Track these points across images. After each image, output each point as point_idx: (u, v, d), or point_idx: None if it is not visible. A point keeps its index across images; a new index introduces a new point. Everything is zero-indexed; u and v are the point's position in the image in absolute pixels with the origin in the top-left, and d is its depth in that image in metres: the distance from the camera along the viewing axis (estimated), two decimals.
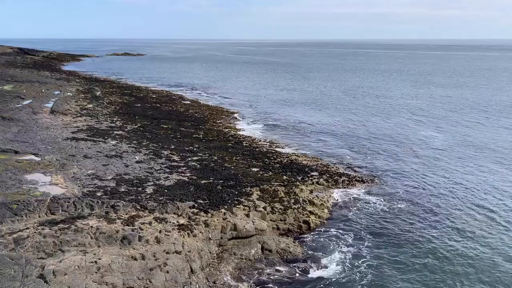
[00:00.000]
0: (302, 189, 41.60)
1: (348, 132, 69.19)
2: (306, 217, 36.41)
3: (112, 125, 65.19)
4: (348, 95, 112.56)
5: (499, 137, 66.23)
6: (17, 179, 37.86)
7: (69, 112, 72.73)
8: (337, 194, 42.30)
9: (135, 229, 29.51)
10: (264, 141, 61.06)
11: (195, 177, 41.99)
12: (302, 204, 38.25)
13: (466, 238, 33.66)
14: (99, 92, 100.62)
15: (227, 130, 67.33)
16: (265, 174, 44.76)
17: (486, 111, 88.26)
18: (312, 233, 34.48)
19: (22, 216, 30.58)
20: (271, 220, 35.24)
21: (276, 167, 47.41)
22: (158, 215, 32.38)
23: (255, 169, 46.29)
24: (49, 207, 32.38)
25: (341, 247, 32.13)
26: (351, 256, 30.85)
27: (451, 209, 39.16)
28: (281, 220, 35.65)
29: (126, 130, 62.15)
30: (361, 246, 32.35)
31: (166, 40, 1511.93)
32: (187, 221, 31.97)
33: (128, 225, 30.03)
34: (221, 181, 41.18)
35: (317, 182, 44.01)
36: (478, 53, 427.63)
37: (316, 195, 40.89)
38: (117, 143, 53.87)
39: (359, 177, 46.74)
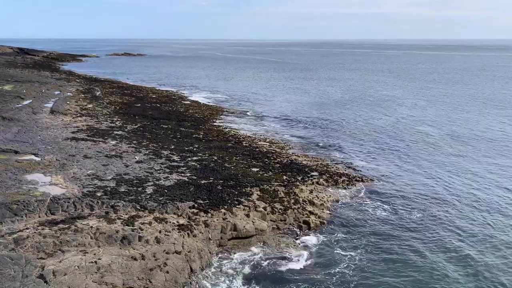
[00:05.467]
0: (302, 189, 41.60)
1: (348, 132, 69.18)
2: (306, 217, 36.41)
3: (112, 125, 65.19)
4: (348, 95, 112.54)
5: (502, 135, 66.18)
6: (17, 179, 37.87)
7: (69, 112, 72.74)
8: (337, 194, 42.28)
9: (135, 229, 29.52)
10: (264, 141, 61.05)
11: (195, 177, 41.98)
12: (302, 204, 38.25)
13: (466, 242, 33.62)
14: (99, 92, 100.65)
15: (227, 130, 67.35)
16: (265, 174, 44.76)
17: (488, 110, 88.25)
18: (312, 233, 34.46)
19: (22, 216, 30.59)
20: (271, 220, 35.24)
21: (276, 167, 47.40)
22: (158, 215, 32.39)
23: (255, 169, 46.28)
24: (49, 207, 32.38)
25: (340, 248, 32.11)
26: (350, 256, 30.82)
27: (451, 210, 39.15)
28: (281, 220, 35.66)
29: (126, 130, 62.15)
30: (360, 246, 32.33)
31: (166, 40, 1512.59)
32: (187, 221, 31.97)
33: (128, 225, 30.05)
34: (221, 181, 41.17)
35: (317, 182, 44.00)
36: (476, 53, 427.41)
37: (316, 195, 40.88)
38: (117, 143, 53.87)
39: (359, 177, 46.73)
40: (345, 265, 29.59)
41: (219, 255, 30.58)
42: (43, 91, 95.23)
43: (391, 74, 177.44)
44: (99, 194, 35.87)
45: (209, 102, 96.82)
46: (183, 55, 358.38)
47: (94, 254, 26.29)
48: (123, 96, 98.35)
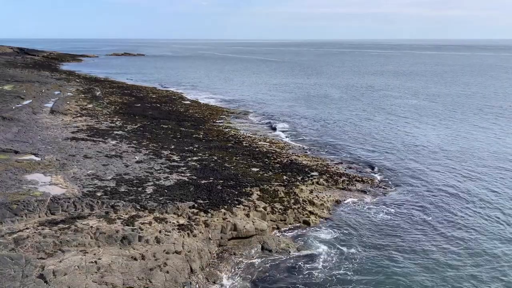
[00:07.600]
0: (302, 189, 41.60)
1: (348, 132, 69.17)
2: (306, 217, 36.43)
3: (112, 125, 65.20)
4: (348, 94, 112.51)
5: (503, 136, 66.16)
6: (17, 179, 37.88)
7: (69, 112, 72.75)
8: (337, 194, 42.27)
9: (135, 229, 29.52)
10: (264, 141, 61.04)
11: (195, 177, 41.99)
12: (302, 204, 38.26)
13: (467, 243, 33.61)
14: (99, 92, 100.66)
15: (227, 130, 67.35)
16: (265, 174, 44.76)
17: (490, 111, 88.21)
18: (312, 233, 34.44)
19: (22, 216, 30.60)
20: (271, 220, 35.26)
21: (276, 167, 47.40)
22: (158, 215, 32.39)
23: (255, 169, 46.29)
24: (49, 207, 32.39)
25: (340, 247, 32.10)
26: (351, 256, 30.80)
27: (453, 211, 39.14)
28: (281, 220, 35.67)
29: (126, 130, 62.16)
30: (360, 246, 32.32)
31: (166, 40, 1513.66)
32: (187, 221, 31.98)
33: (128, 225, 30.05)
34: (221, 181, 41.17)
35: (317, 182, 44.00)
36: (476, 53, 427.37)
37: (316, 195, 40.89)
38: (117, 143, 53.87)
39: (359, 177, 46.71)
40: (345, 265, 29.57)
41: (219, 255, 30.57)
42: (43, 91, 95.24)
43: (391, 74, 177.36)
44: (99, 194, 35.88)
45: (209, 102, 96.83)
46: (183, 55, 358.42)
47: (94, 254, 26.29)
48: (123, 96, 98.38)
